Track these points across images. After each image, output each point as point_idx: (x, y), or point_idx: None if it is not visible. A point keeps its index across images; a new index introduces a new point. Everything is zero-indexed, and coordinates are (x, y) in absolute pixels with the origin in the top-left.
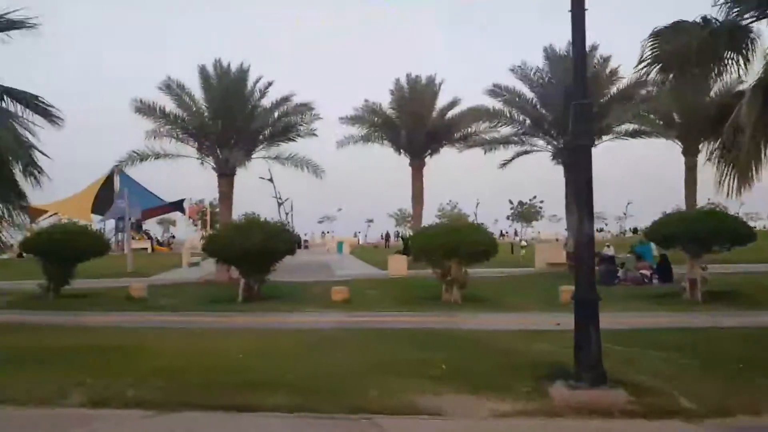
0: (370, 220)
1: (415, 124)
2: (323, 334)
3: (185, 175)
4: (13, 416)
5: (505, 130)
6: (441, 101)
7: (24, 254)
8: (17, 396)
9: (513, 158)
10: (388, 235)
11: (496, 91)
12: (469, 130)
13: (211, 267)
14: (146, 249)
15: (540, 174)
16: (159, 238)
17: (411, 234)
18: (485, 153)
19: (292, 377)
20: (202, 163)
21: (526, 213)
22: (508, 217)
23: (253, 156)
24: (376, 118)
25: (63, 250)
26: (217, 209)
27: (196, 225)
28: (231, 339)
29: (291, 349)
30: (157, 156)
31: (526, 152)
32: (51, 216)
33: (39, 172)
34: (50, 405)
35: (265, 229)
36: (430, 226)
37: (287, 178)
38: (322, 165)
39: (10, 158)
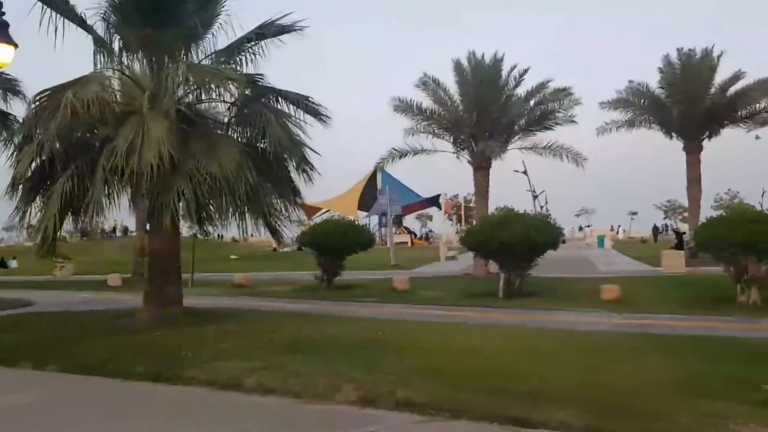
0: (634, 213)
1: (689, 103)
2: (597, 337)
3: (441, 171)
4: (294, 410)
5: None
6: (720, 76)
7: (302, 247)
8: (295, 388)
9: None
10: (657, 229)
11: None
12: (759, 106)
13: (468, 261)
14: (406, 243)
15: None
16: (417, 232)
17: (689, 227)
18: None
19: (574, 388)
20: (457, 158)
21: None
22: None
23: (508, 147)
24: (642, 100)
25: (334, 243)
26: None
27: (451, 220)
28: (496, 337)
29: (563, 353)
30: (415, 152)
31: None
32: (324, 213)
33: (311, 169)
34: (323, 400)
35: (526, 221)
36: (719, 217)
37: (542, 169)
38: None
39: (286, 156)
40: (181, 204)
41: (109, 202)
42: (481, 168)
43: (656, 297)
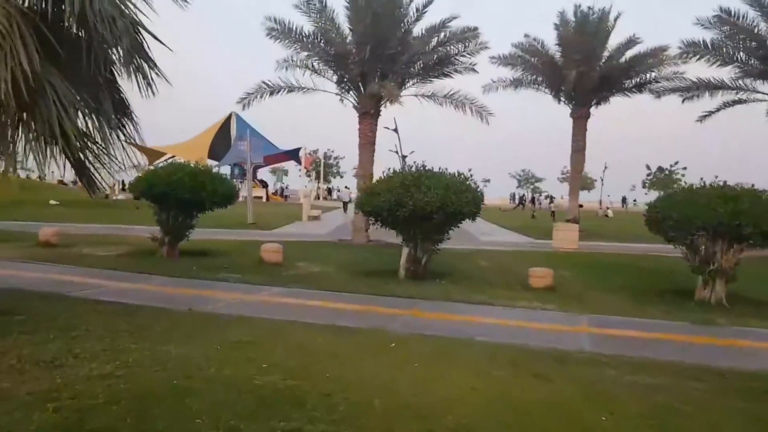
0: (487, 180)
1: (584, 64)
2: (568, 355)
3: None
4: None
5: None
6: (615, 39)
7: (139, 199)
8: None
9: (718, 109)
10: (523, 198)
11: (722, 18)
12: (649, 75)
13: (333, 222)
14: (261, 198)
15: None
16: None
17: (570, 197)
18: (683, 101)
19: None
20: (341, 100)
21: (663, 181)
22: (643, 184)
23: (403, 92)
24: (535, 59)
25: (184, 196)
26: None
27: (309, 176)
28: (460, 371)
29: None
30: (290, 89)
31: (740, 102)
32: (169, 159)
33: (151, 68)
34: None
35: (446, 181)
36: (683, 192)
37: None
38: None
39: (105, 36)
40: None
41: None
42: (368, 115)
43: (590, 284)
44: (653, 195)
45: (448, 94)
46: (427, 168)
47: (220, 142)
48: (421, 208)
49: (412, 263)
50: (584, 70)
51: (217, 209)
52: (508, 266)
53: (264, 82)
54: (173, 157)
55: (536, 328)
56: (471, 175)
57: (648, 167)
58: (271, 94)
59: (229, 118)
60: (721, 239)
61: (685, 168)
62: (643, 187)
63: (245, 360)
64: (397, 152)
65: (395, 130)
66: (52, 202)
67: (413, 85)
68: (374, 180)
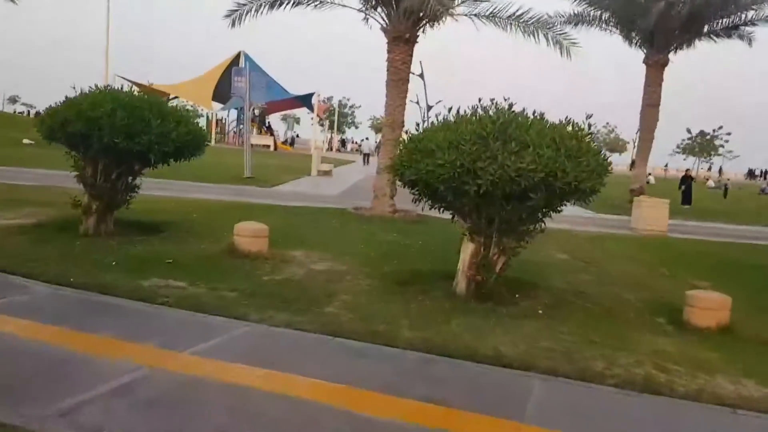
0: None
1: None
2: None
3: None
4: None
5: None
6: None
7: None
8: None
9: None
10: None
11: None
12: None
13: (346, 178)
14: (268, 147)
15: None
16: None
17: (635, 164)
18: None
19: None
20: (365, 19)
21: (702, 146)
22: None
23: (455, 7)
24: None
25: (115, 141)
26: (348, 109)
27: (322, 125)
28: None
29: None
30: (297, 1)
31: None
32: (171, 99)
33: None
34: None
35: (551, 133)
36: None
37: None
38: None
39: None
40: None
41: None
42: (401, 41)
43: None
44: (690, 161)
45: (516, 14)
46: (512, 109)
47: (227, 83)
48: (510, 180)
49: (480, 269)
50: (674, 1)
51: (177, 161)
52: (606, 266)
53: None
54: (175, 97)
55: None
56: (590, 126)
57: (688, 131)
58: (272, 6)
59: (237, 57)
60: None
61: (729, 134)
62: (679, 152)
63: None
64: (417, 102)
65: (421, 75)
66: (25, 141)
67: (463, 2)
68: (404, 131)
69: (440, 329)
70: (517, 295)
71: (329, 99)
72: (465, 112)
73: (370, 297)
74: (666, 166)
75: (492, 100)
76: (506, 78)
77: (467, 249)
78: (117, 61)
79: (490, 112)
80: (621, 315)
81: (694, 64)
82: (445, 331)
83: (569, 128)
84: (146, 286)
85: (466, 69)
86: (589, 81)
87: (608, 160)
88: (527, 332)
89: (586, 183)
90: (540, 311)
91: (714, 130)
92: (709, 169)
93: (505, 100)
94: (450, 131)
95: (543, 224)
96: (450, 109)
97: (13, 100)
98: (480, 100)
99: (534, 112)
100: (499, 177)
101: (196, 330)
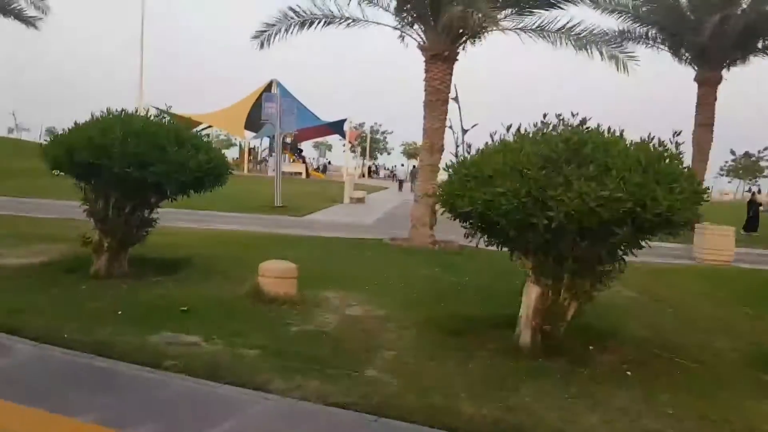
0: None
1: (728, 8)
2: None
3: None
4: None
5: None
6: None
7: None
8: None
9: None
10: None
11: None
12: None
13: (379, 206)
14: (300, 174)
15: None
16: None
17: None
18: None
19: None
20: (401, 37)
21: (747, 168)
22: (722, 170)
23: (501, 20)
24: (654, 5)
25: (127, 171)
26: (380, 135)
27: (354, 152)
28: None
29: None
30: (328, 20)
31: None
32: (205, 129)
33: None
34: None
35: (635, 157)
36: None
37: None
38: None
39: None
40: None
41: None
42: (440, 59)
43: None
44: (735, 183)
45: (567, 27)
46: (586, 126)
47: (259, 111)
48: (590, 211)
49: (548, 316)
50: (729, 14)
51: (198, 192)
52: (681, 305)
53: (291, 9)
54: (209, 126)
55: None
56: (679, 144)
57: (732, 152)
58: (302, 26)
59: (270, 86)
60: None
61: None
62: (723, 173)
63: None
64: (451, 127)
65: (455, 98)
66: (55, 171)
67: (510, 15)
68: (442, 157)
69: (509, 401)
70: (591, 347)
71: (361, 125)
72: (526, 130)
73: (418, 353)
74: (710, 189)
75: (558, 115)
76: (535, 95)
77: (532, 293)
78: (152, 93)
79: (559, 129)
80: (722, 373)
81: (740, 82)
82: (516, 403)
83: (655, 147)
84: (152, 344)
85: (492, 87)
86: (629, 101)
87: (704, 186)
88: (621, 405)
89: (680, 213)
90: (628, 371)
91: (759, 152)
92: (748, 190)
93: (574, 115)
94: (511, 153)
95: (624, 263)
96: (509, 127)
97: (51, 132)
98: (545, 115)
99: (609, 129)
100: (575, 208)
101: (205, 408)
